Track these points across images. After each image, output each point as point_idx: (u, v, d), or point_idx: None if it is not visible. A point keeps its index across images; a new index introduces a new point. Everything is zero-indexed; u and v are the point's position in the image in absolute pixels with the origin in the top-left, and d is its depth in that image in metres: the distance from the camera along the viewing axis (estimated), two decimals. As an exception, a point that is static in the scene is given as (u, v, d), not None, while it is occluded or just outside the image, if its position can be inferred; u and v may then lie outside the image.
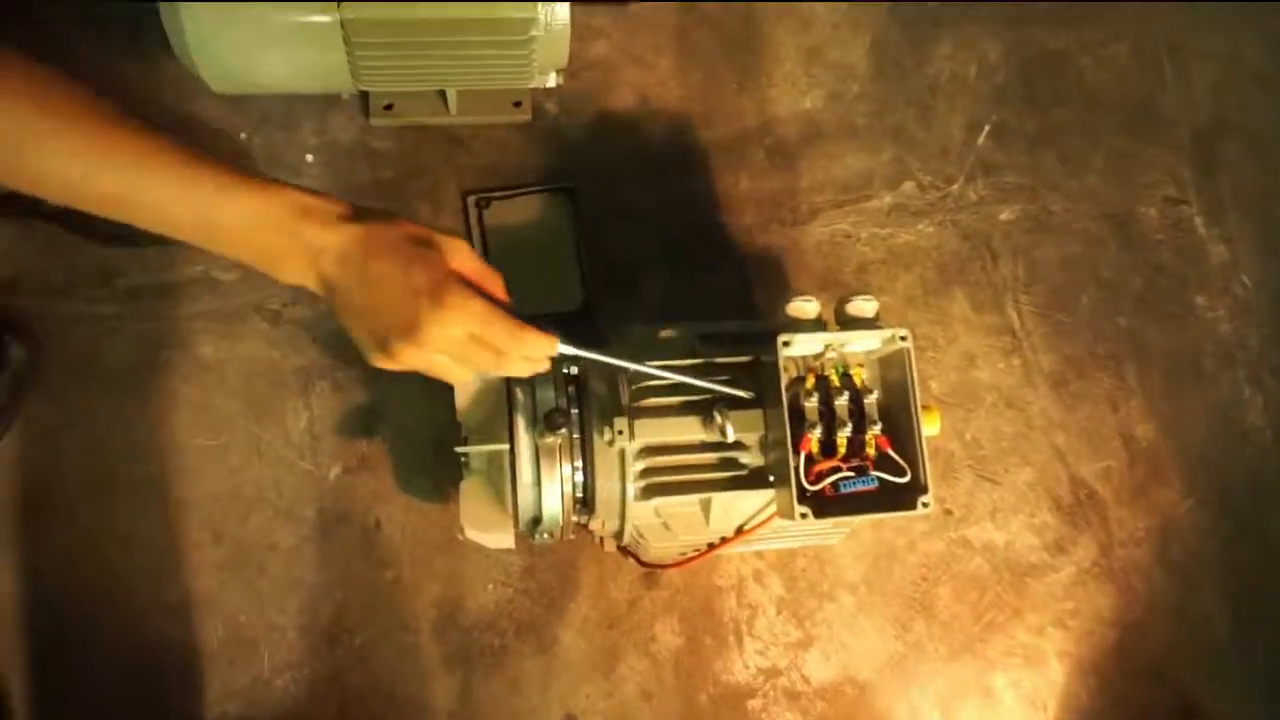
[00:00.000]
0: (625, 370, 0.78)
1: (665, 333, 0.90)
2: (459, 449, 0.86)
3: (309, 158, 1.10)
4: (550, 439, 0.82)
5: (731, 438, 0.81)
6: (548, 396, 0.85)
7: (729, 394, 0.81)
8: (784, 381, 0.79)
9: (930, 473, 0.78)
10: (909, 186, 1.21)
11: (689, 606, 1.06)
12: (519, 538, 0.89)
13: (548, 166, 1.15)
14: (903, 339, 0.80)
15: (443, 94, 1.12)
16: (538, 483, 0.83)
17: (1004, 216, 1.21)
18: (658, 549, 0.91)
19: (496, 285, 0.62)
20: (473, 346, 0.58)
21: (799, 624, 1.07)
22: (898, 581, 1.10)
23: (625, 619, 1.04)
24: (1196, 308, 1.22)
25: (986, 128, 1.24)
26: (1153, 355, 1.20)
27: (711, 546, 0.89)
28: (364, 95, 1.13)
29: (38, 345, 1.01)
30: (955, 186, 1.22)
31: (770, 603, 1.07)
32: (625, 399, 0.85)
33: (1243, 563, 1.15)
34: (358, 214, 0.57)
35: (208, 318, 1.06)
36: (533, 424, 0.82)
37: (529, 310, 0.61)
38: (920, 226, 1.20)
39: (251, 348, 1.06)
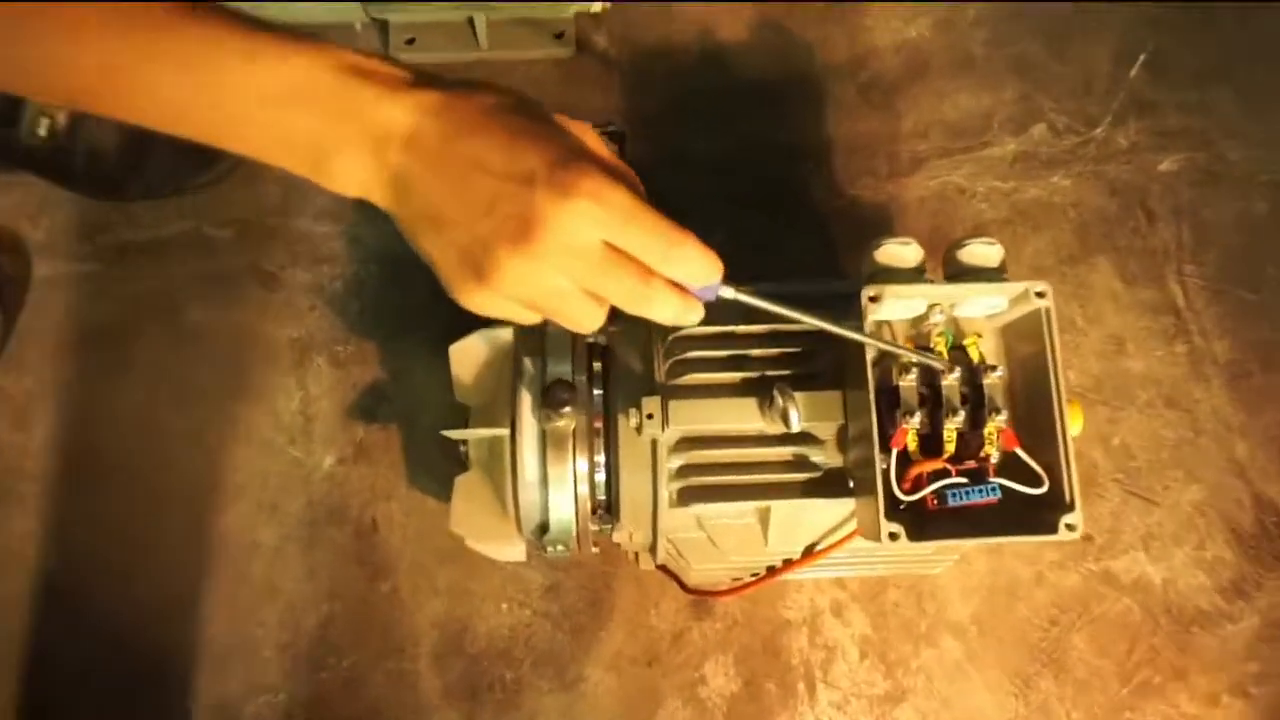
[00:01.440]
0: (821, 330, 0.50)
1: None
2: (447, 432, 0.69)
3: (316, 97, 0.95)
4: (561, 422, 0.63)
5: (797, 427, 0.60)
6: (563, 369, 0.66)
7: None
8: (872, 354, 0.58)
9: (1078, 483, 0.56)
10: (1040, 130, 0.97)
11: (749, 643, 0.85)
12: (532, 549, 0.72)
13: (594, 108, 0.97)
14: (1040, 295, 0.58)
15: (471, 24, 0.96)
16: (544, 480, 0.65)
17: (1164, 167, 0.97)
18: (701, 570, 0.71)
19: (635, 185, 0.41)
20: (609, 263, 0.38)
21: (888, 672, 0.85)
22: (1019, 624, 0.86)
23: (668, 655, 0.85)
24: None
25: (1142, 57, 0.99)
26: (1367, 344, 0.92)
27: (772, 571, 0.69)
28: (383, 28, 0.98)
29: (10, 310, 0.90)
30: (1100, 130, 0.97)
31: (852, 643, 0.85)
32: (660, 374, 0.66)
33: None
34: (432, 79, 0.39)
35: (197, 279, 0.92)
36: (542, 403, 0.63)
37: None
38: (1054, 179, 0.96)
39: (243, 314, 0.91)
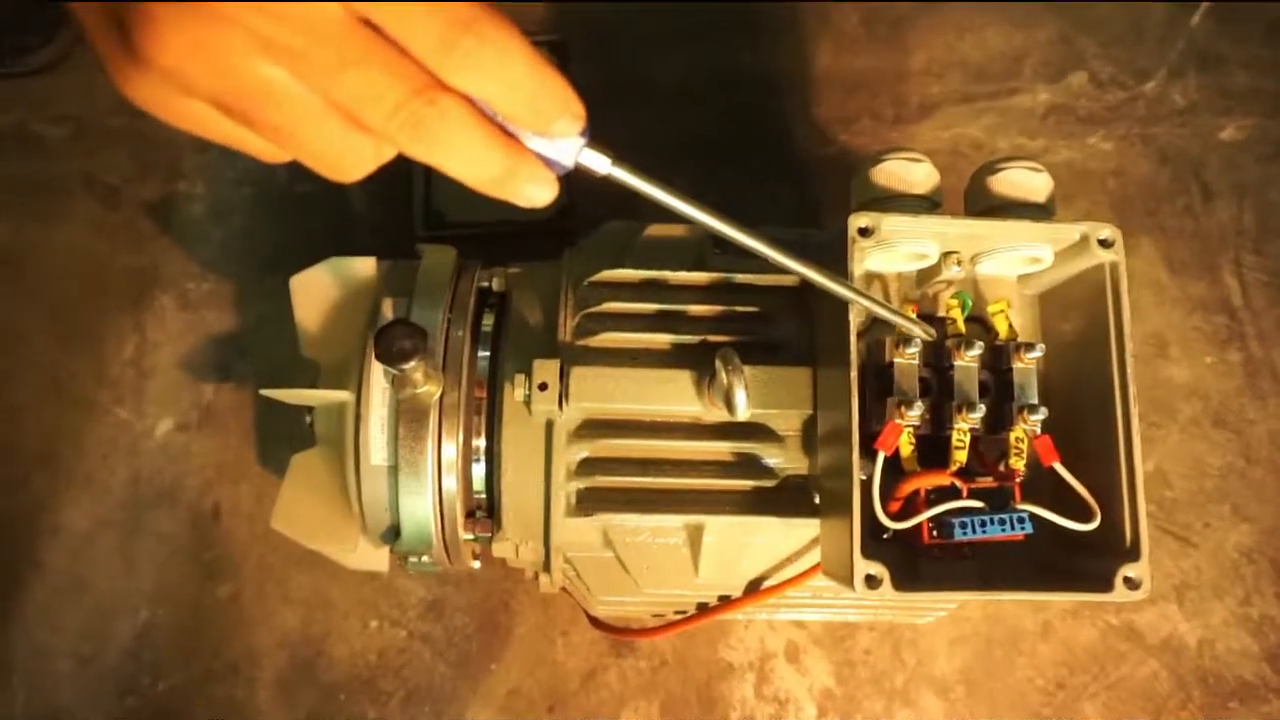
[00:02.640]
0: (774, 261, 0.33)
1: (653, 231, 0.52)
2: (269, 390, 0.51)
3: None
4: (420, 389, 0.45)
5: (745, 415, 0.43)
6: (430, 316, 0.48)
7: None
8: (857, 315, 0.40)
9: (1145, 520, 0.38)
10: (1079, 80, 0.80)
11: (678, 690, 0.67)
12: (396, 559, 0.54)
13: (531, 17, 0.79)
14: (1105, 244, 0.40)
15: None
16: (395, 467, 0.47)
17: (1226, 134, 0.79)
18: (609, 604, 0.53)
19: None
20: (356, 50, 0.22)
21: (853, 736, 0.67)
22: (1018, 685, 0.69)
23: (576, 698, 0.67)
24: None
25: (1206, 3, 0.82)
26: None
27: (704, 610, 0.51)
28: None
29: None
30: (1151, 85, 0.80)
31: (809, 697, 0.68)
32: (565, 331, 0.48)
33: None
34: None
35: (15, 187, 0.73)
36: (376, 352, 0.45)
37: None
38: (1092, 140, 0.79)
39: (72, 235, 0.73)
